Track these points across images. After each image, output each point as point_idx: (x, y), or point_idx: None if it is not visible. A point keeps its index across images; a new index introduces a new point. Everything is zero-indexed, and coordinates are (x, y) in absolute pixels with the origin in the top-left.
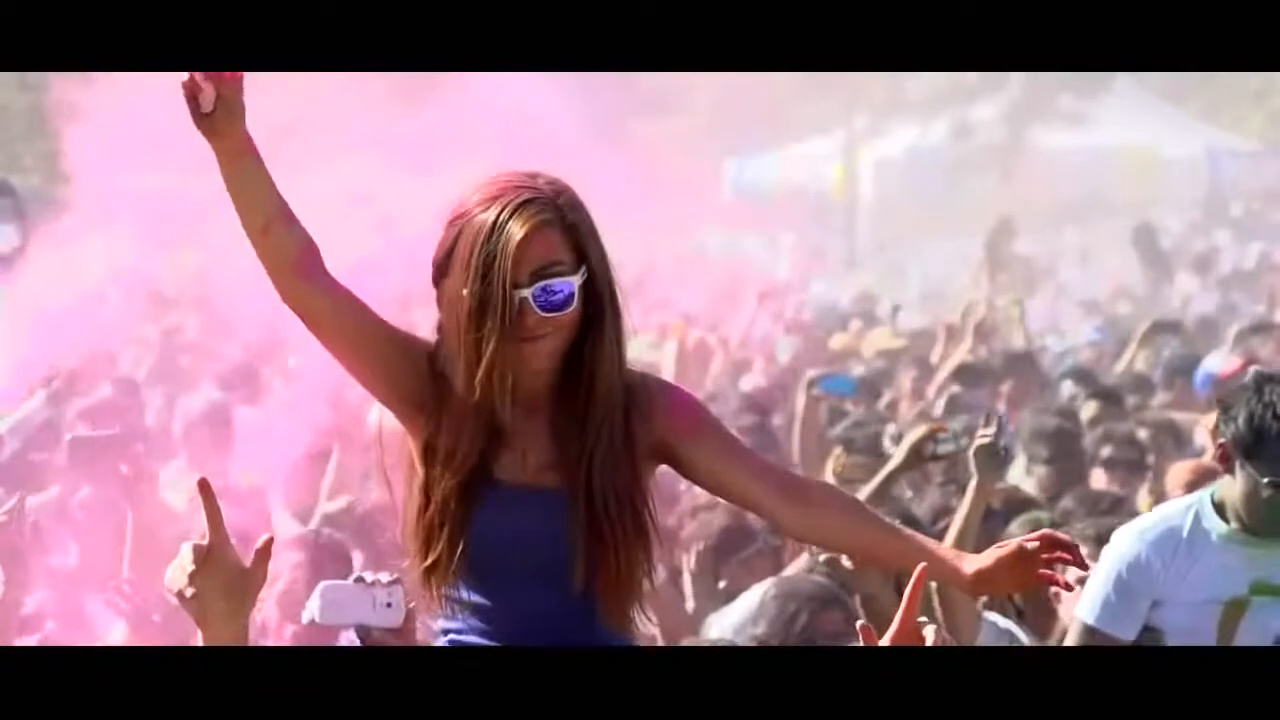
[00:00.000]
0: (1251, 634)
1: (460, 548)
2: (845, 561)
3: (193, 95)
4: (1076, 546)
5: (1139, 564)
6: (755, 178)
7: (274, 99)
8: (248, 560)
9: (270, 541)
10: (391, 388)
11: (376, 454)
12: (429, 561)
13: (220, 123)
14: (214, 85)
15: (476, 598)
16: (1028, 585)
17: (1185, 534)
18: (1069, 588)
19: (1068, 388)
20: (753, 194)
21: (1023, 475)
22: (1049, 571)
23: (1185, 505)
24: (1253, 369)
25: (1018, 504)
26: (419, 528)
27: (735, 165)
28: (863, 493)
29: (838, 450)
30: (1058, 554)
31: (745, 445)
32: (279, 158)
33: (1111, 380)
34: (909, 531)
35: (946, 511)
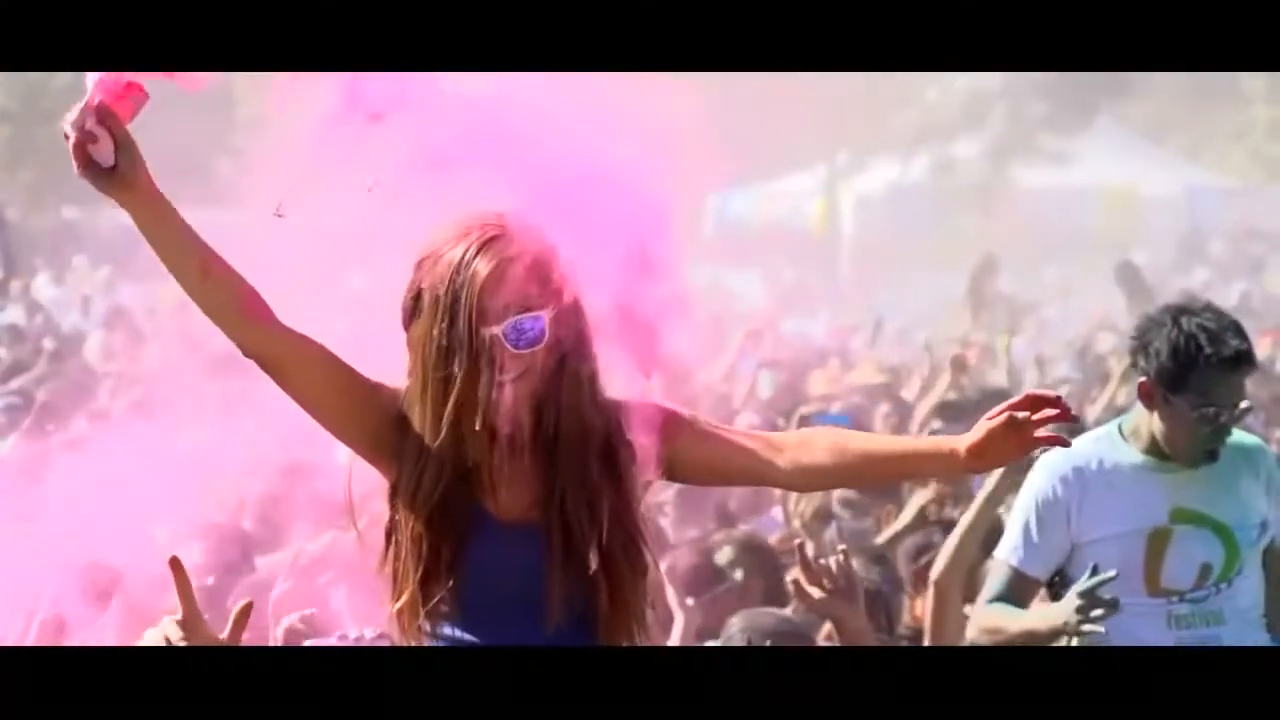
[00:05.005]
0: (1178, 563)
1: (449, 584)
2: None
3: (84, 152)
4: (1060, 397)
5: (1051, 500)
6: (737, 213)
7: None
8: (221, 628)
9: (249, 607)
10: (358, 431)
11: (345, 493)
12: (404, 600)
13: (125, 174)
14: (109, 131)
15: (463, 635)
16: (1024, 451)
17: (1095, 468)
18: (1066, 444)
19: None
20: (735, 229)
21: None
22: (1045, 433)
23: (1092, 439)
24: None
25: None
26: (396, 568)
27: (717, 201)
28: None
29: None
30: (1044, 412)
31: (718, 424)
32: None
33: (1090, 419)
34: (893, 438)
35: (928, 548)
